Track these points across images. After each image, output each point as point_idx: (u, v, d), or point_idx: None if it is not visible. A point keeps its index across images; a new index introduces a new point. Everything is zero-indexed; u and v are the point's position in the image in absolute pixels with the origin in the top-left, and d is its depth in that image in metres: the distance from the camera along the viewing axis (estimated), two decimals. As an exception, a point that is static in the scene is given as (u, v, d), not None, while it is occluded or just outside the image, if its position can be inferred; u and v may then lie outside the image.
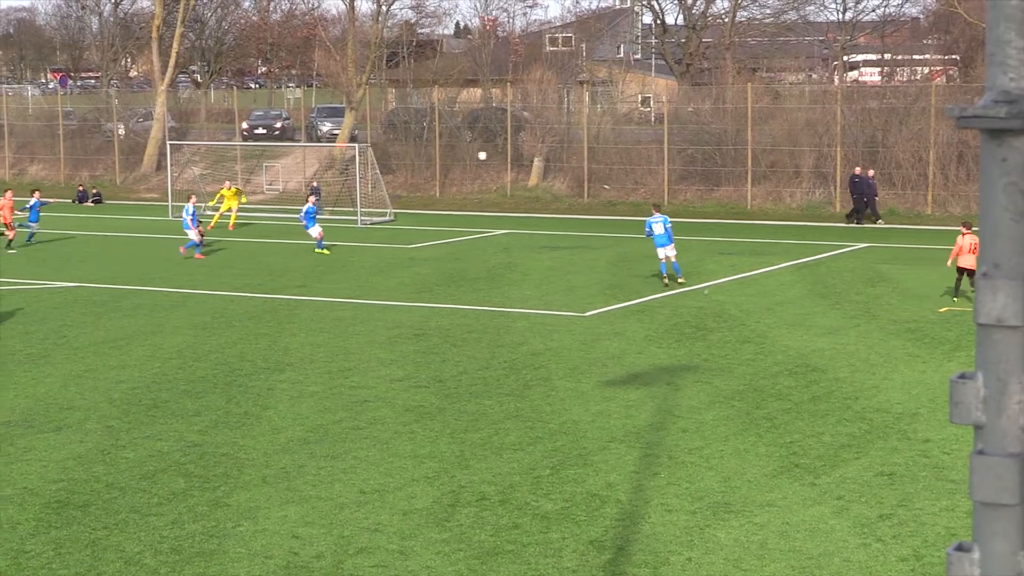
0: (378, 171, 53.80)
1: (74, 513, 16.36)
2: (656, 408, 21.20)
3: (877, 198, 47.83)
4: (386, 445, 19.26)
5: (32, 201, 44.01)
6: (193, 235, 40.59)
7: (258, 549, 15.14)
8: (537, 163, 58.41)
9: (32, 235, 43.70)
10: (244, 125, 72.49)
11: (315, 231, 41.43)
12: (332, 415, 21.05)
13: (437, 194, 59.29)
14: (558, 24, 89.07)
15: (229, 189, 50.53)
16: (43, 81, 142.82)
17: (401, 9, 73.83)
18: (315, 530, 15.71)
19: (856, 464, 18.08)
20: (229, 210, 48.82)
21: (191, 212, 40.84)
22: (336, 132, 67.48)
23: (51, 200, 48.55)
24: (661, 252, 33.81)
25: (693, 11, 73.75)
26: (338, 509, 16.43)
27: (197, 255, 40.39)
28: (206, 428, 20.32)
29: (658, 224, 33.68)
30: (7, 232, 42.89)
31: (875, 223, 47.49)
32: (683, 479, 17.46)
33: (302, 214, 42.04)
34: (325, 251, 41.12)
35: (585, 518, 16.04)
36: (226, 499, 16.86)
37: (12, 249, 42.14)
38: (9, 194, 44.41)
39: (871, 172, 48.09)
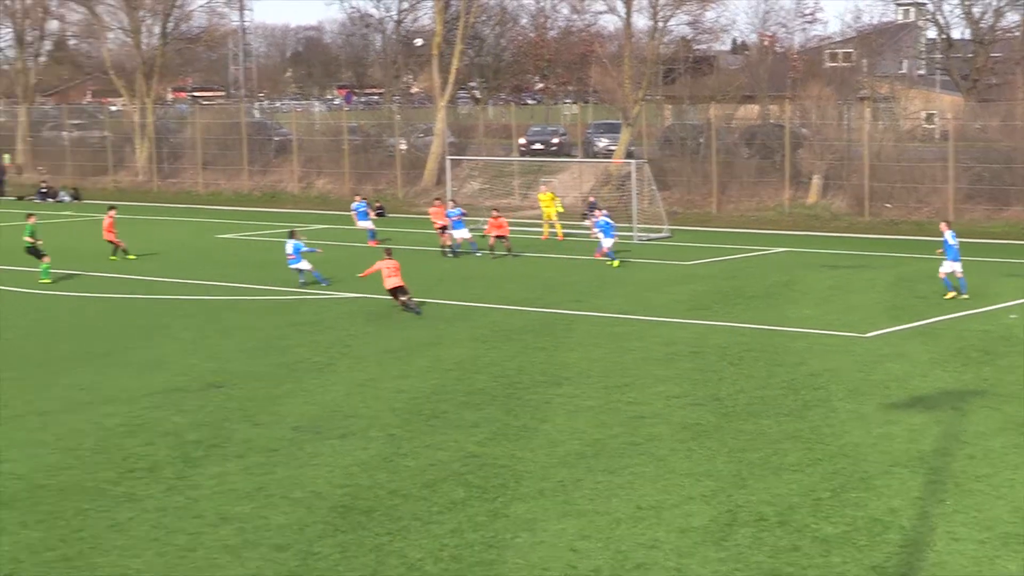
0: (654, 187, 53.77)
1: (359, 518, 16.78)
2: (941, 433, 20.61)
3: None
4: (663, 462, 19.21)
5: (354, 202, 45.92)
6: (607, 243, 42.41)
7: (536, 561, 15.27)
8: (816, 180, 57.49)
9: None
10: (521, 141, 73.39)
11: (608, 243, 42.34)
12: (609, 430, 21.10)
13: (714, 211, 58.90)
14: (838, 39, 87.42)
15: (546, 194, 51.16)
16: (329, 97, 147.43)
17: (678, 25, 73.39)
18: (592, 544, 15.76)
19: None
20: (550, 218, 49.59)
21: (604, 223, 42.65)
22: (612, 148, 67.72)
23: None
24: (952, 266, 33.81)
25: (980, 25, 71.61)
26: (615, 524, 16.46)
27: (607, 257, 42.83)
28: (485, 440, 20.59)
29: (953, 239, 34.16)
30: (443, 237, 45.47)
31: None
32: (971, 507, 16.91)
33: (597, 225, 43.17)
34: (614, 263, 42.09)
35: (867, 543, 15.68)
36: (504, 510, 17.06)
37: (450, 254, 44.99)
38: (438, 202, 46.85)
39: None
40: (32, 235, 39.87)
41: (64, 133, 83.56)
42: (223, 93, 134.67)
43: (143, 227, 55.27)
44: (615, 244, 42.83)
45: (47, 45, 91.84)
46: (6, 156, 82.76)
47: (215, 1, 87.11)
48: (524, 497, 17.61)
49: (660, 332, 30.07)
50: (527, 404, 22.98)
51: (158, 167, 78.09)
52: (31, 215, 42.00)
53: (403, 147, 71.48)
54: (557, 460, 19.38)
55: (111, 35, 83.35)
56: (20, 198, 73.26)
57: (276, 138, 77.90)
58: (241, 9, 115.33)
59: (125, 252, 43.98)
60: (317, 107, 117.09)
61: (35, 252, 39.53)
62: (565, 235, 49.71)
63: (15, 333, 30.39)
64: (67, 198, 72.32)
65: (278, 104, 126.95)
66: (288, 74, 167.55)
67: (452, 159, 60.16)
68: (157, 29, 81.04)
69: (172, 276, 39.79)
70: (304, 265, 37.65)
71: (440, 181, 64.58)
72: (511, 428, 21.30)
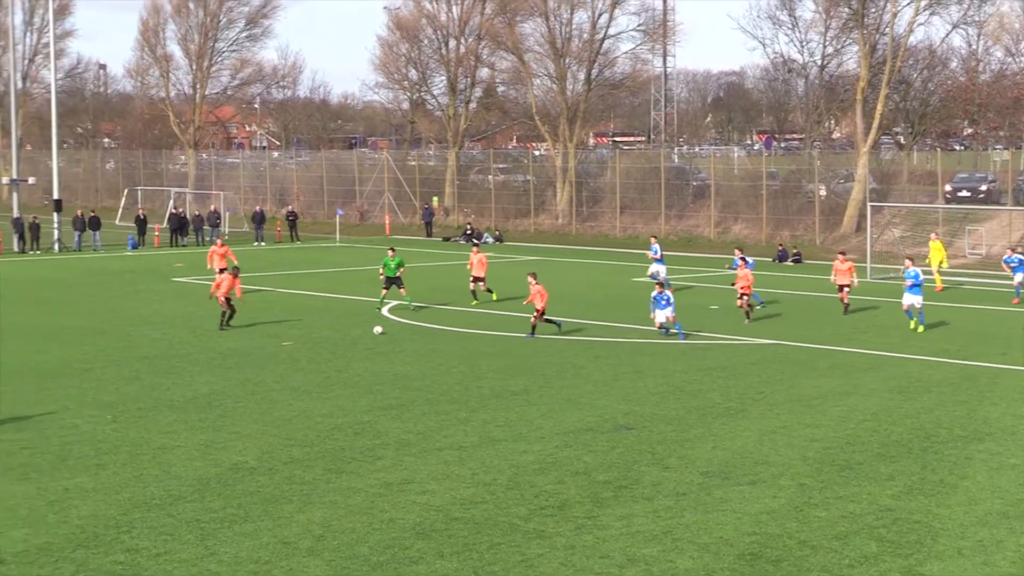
0: (1090, 236, 51.17)
1: (766, 567, 16.47)
2: None
3: None
4: (1090, 527, 18.09)
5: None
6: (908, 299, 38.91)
7: (952, 623, 14.60)
8: None
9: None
10: (947, 187, 71.19)
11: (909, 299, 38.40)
12: (1034, 490, 20.05)
13: None
14: None
15: (936, 242, 49.63)
16: (749, 142, 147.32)
17: (1120, 67, 69.70)
18: (1013, 610, 14.95)
19: None
20: (939, 264, 47.99)
21: (914, 274, 38.65)
22: (1042, 195, 64.93)
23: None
24: None
25: None
26: (1038, 590, 15.58)
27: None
28: (899, 493, 19.90)
29: None
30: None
31: None
32: None
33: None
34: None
35: None
36: (919, 568, 16.40)
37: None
38: (841, 256, 43.00)
39: None
40: (399, 267, 42.73)
41: (490, 177, 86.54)
42: (643, 138, 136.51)
43: (561, 269, 56.50)
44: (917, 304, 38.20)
45: (477, 92, 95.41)
46: (435, 199, 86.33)
47: (639, 48, 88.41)
48: (940, 555, 16.88)
49: (1093, 389, 28.46)
50: (945, 459, 22.10)
51: (577, 210, 79.77)
52: (392, 249, 44.71)
53: (822, 193, 70.55)
54: (976, 519, 18.51)
55: (537, 82, 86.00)
56: (446, 239, 76.21)
57: (694, 183, 78.33)
58: (664, 55, 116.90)
59: (489, 291, 45.13)
60: (736, 152, 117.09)
61: (398, 282, 42.64)
62: (992, 288, 47.82)
63: (438, 368, 31.47)
64: (490, 240, 74.73)
65: (697, 149, 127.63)
66: (708, 119, 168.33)
67: (873, 205, 58.91)
68: (582, 75, 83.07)
69: (589, 318, 40.38)
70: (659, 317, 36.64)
71: (860, 228, 63.40)
72: (928, 483, 20.52)
